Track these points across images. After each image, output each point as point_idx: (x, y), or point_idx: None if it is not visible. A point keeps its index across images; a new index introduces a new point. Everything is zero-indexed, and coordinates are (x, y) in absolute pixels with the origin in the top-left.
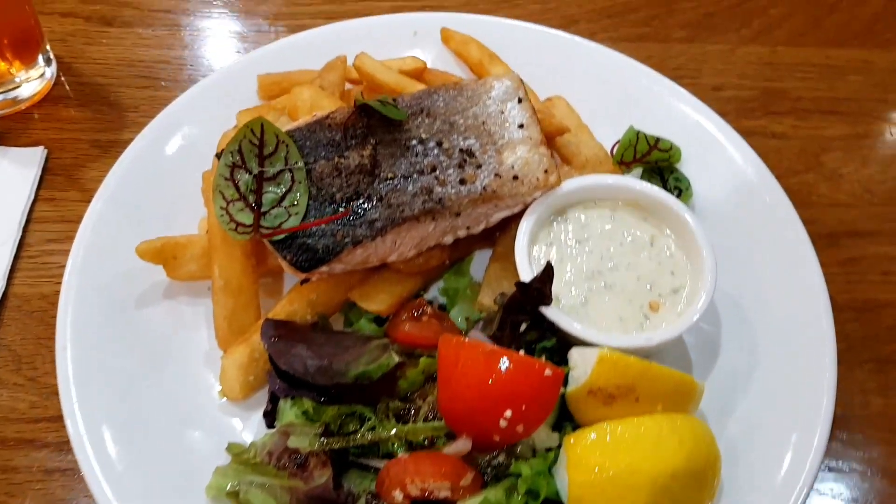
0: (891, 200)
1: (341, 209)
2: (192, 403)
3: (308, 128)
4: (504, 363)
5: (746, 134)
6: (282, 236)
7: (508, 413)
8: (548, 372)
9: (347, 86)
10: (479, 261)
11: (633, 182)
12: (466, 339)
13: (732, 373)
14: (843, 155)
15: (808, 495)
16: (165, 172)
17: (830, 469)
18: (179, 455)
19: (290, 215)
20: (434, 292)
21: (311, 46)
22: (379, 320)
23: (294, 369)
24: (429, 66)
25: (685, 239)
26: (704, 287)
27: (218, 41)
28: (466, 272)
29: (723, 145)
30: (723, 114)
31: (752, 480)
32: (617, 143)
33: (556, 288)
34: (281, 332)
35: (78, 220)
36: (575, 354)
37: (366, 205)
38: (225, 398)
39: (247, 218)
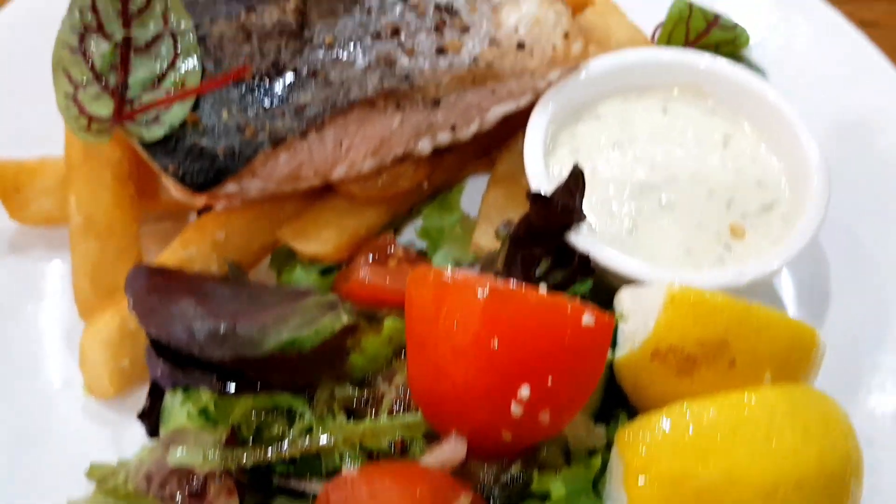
0: None
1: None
2: (43, 404)
3: None
4: (515, 306)
5: None
6: (159, 135)
7: (525, 391)
8: (587, 319)
9: None
10: (474, 190)
11: (695, 57)
12: (452, 274)
13: (852, 329)
14: None
15: None
16: (19, 72)
17: None
18: (21, 483)
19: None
20: (410, 235)
21: None
22: (327, 273)
23: (170, 335)
24: None
25: (775, 134)
26: (812, 199)
27: None
28: (456, 205)
29: (809, 24)
30: None
31: None
32: (659, 26)
33: (590, 209)
34: (158, 281)
35: None
36: (627, 298)
37: (291, 83)
38: (91, 394)
39: (104, 108)
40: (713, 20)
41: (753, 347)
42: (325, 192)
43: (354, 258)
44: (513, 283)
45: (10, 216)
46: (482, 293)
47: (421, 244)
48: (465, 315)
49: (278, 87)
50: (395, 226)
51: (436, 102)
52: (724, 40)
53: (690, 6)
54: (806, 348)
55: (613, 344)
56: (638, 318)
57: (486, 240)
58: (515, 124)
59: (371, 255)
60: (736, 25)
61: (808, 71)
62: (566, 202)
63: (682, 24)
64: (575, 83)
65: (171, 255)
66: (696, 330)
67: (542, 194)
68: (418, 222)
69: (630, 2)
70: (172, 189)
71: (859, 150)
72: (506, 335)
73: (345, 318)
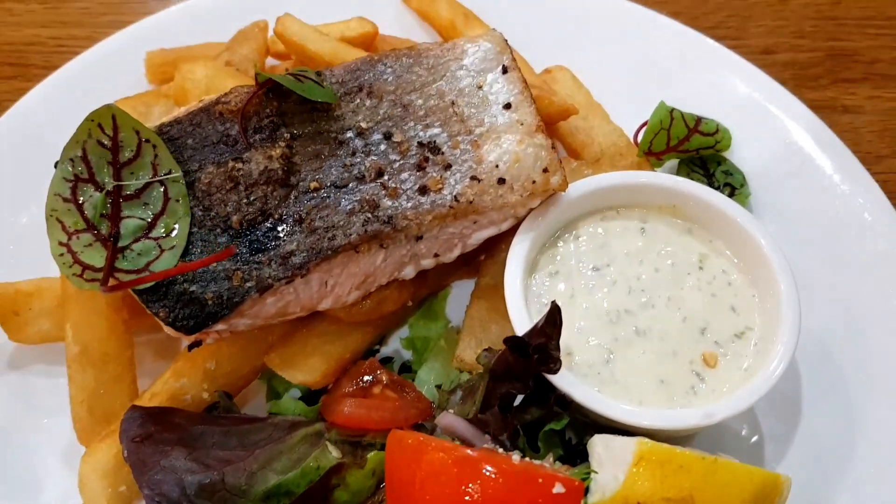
0: None
1: (240, 236)
2: None
3: (190, 119)
4: (489, 476)
5: (810, 109)
6: (150, 283)
7: None
8: (558, 488)
9: (270, 62)
10: (459, 294)
11: (671, 180)
12: (427, 437)
13: (823, 454)
14: None
15: None
16: (17, 192)
17: None
18: None
19: (162, 251)
20: (395, 344)
21: (219, 12)
22: (311, 396)
23: (162, 493)
24: (381, 31)
25: (750, 258)
26: (784, 327)
27: (110, 17)
28: (441, 313)
29: (788, 126)
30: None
31: None
32: (643, 126)
33: (566, 338)
34: (150, 428)
35: None
36: (599, 447)
37: (277, 231)
38: None
39: (97, 257)
40: (694, 125)
41: (719, 501)
42: (312, 316)
43: (339, 382)
44: (489, 431)
45: (10, 338)
46: (456, 460)
47: (406, 354)
48: (440, 482)
49: (265, 234)
50: (381, 336)
51: (418, 238)
52: (706, 144)
53: (671, 112)
54: (770, 496)
55: (586, 491)
56: (608, 469)
57: (469, 354)
58: (499, 237)
59: (355, 383)
60: (717, 129)
61: (786, 175)
62: (542, 345)
63: (663, 130)
64: (555, 207)
65: (164, 385)
66: (664, 488)
67: (519, 337)
68: (404, 331)
69: (614, 106)
70: (164, 328)
71: (836, 258)
72: (479, 500)
73: (332, 456)
